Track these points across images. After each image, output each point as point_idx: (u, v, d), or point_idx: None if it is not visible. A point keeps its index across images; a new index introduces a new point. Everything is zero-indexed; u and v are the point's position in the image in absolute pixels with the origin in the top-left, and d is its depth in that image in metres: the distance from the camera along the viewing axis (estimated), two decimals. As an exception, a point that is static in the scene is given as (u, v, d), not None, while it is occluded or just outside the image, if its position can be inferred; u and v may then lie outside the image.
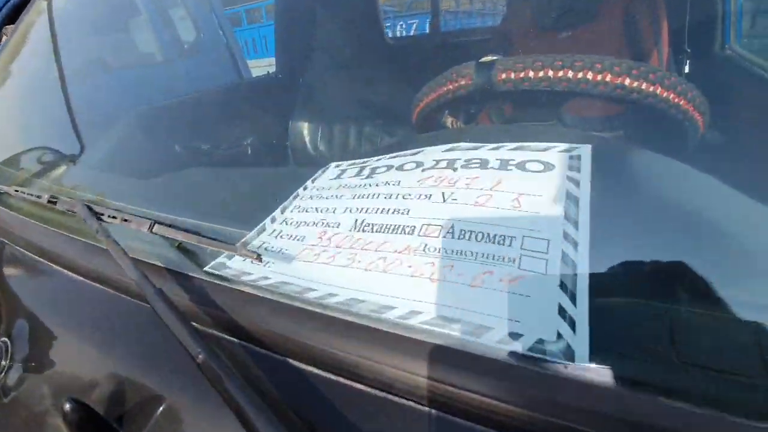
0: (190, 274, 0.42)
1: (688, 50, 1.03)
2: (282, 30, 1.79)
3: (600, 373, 0.27)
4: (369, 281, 0.38)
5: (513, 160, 0.46)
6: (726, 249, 0.34)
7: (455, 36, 1.65)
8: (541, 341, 0.30)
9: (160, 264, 0.45)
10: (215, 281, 0.41)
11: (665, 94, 0.53)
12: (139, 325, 0.41)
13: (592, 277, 0.33)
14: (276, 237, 0.49)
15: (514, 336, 0.30)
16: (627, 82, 0.52)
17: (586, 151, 0.44)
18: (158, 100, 1.44)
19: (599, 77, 0.52)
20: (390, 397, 0.31)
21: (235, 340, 0.36)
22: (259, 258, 0.39)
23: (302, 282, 0.41)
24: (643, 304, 0.32)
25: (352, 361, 0.31)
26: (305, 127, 1.81)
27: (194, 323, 0.39)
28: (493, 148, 0.49)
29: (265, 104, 1.78)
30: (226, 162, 1.53)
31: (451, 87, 0.63)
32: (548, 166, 0.44)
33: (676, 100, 0.54)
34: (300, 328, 0.34)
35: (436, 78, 0.68)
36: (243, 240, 0.49)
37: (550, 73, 0.54)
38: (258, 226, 0.52)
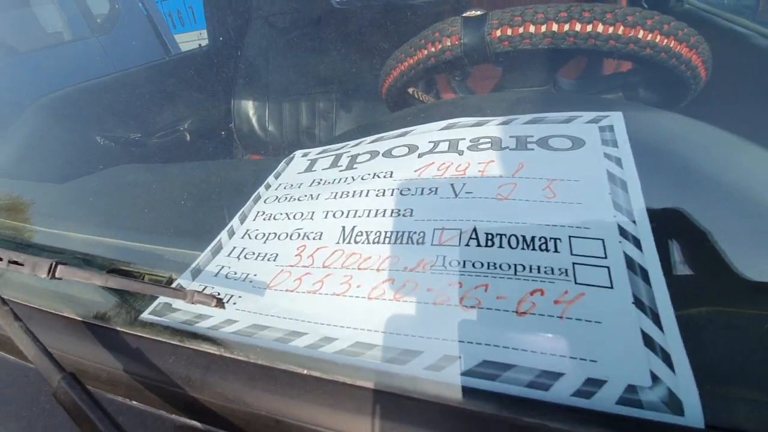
0: (120, 329, 0.30)
1: (645, 5, 0.99)
2: (212, -4, 1.56)
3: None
4: (376, 315, 0.29)
5: (531, 136, 0.37)
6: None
7: (409, -2, 1.51)
8: (632, 389, 0.22)
9: (73, 316, 0.32)
10: (158, 337, 0.29)
11: (678, 48, 0.46)
12: (51, 411, 0.28)
13: (670, 285, 0.25)
14: (238, 257, 0.37)
15: (595, 384, 0.22)
16: (641, 34, 0.44)
17: (617, 119, 0.36)
18: (70, 84, 1.20)
19: (611, 30, 0.44)
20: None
21: (198, 425, 0.25)
22: (220, 303, 0.28)
23: (284, 323, 0.30)
24: (735, 314, 0.25)
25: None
26: (250, 106, 1.63)
27: (134, 402, 0.27)
28: (503, 123, 0.40)
29: (201, 82, 1.57)
30: (161, 153, 1.33)
31: (433, 50, 0.52)
32: (577, 142, 0.36)
33: (688, 54, 0.48)
34: (295, 405, 0.23)
35: (410, 41, 0.57)
36: (193, 266, 0.37)
37: (555, 27, 0.45)
38: (211, 244, 0.40)
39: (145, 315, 0.32)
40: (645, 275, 0.26)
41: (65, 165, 0.98)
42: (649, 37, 0.45)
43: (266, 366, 0.25)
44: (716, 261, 0.27)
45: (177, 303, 0.33)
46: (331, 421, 0.22)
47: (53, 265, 0.28)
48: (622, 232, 0.28)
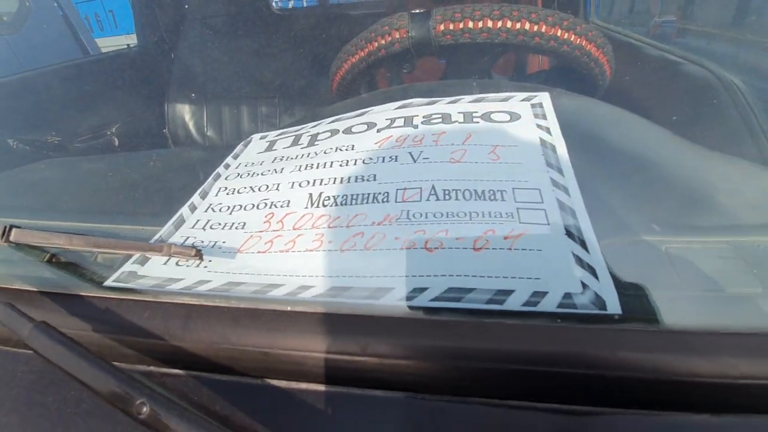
0: (84, 293, 0.29)
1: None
2: (142, -4, 1.48)
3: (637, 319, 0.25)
4: (349, 263, 0.31)
5: (476, 112, 0.42)
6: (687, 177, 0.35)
7: (347, 8, 1.56)
8: (568, 295, 0.27)
9: (26, 287, 0.30)
10: (128, 297, 0.29)
11: (588, 47, 0.55)
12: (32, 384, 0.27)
13: (593, 220, 0.31)
14: (204, 228, 0.38)
15: (539, 295, 0.27)
16: (559, 33, 0.53)
17: (545, 98, 0.43)
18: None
19: (536, 28, 0.52)
20: (423, 396, 0.25)
21: (181, 373, 0.26)
22: (199, 254, 0.28)
23: (259, 278, 0.31)
24: (640, 239, 0.32)
25: (359, 365, 0.24)
26: (186, 110, 1.55)
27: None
28: (451, 102, 0.45)
29: (129, 83, 1.47)
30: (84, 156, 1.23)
31: (383, 42, 0.56)
32: (514, 116, 0.41)
33: (596, 53, 0.57)
34: (281, 336, 0.25)
35: (360, 34, 0.61)
36: (156, 238, 0.37)
37: (490, 23, 0.51)
38: (172, 218, 0.39)
39: (109, 282, 0.31)
40: (573, 213, 0.32)
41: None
42: (566, 35, 0.53)
43: (249, 308, 0.26)
44: (624, 200, 0.34)
45: (143, 269, 0.32)
46: (319, 345, 0.24)
47: (7, 229, 0.27)
48: (554, 183, 0.34)
